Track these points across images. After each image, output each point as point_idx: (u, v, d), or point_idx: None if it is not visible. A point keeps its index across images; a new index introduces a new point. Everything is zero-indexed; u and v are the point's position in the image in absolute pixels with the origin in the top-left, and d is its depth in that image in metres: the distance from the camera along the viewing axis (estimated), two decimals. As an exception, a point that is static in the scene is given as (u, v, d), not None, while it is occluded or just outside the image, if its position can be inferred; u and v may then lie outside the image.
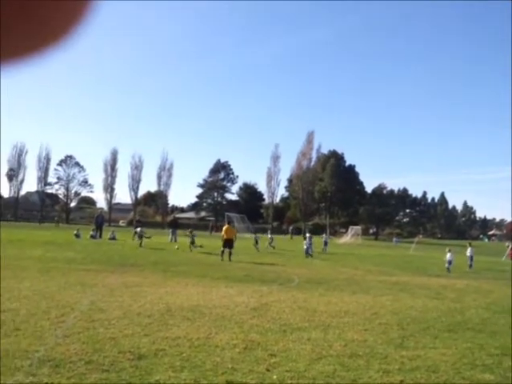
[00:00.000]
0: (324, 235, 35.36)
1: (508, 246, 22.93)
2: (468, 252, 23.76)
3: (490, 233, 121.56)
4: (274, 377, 5.03)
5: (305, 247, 24.95)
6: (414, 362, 5.85)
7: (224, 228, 21.40)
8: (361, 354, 6.09)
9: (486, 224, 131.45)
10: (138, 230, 26.39)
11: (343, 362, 5.72)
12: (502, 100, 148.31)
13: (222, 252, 20.03)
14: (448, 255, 21.19)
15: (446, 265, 21.28)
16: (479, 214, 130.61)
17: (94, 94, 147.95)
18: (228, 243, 20.34)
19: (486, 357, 6.32)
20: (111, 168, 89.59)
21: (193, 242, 24.35)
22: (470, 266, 23.16)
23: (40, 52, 0.43)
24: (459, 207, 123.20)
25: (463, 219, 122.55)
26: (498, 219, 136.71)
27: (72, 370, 4.87)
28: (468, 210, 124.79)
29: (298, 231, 72.45)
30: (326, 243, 31.62)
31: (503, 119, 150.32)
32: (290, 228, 65.80)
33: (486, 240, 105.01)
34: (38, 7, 0.40)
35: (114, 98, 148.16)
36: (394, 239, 69.85)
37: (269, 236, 32.10)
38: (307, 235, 26.21)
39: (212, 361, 5.47)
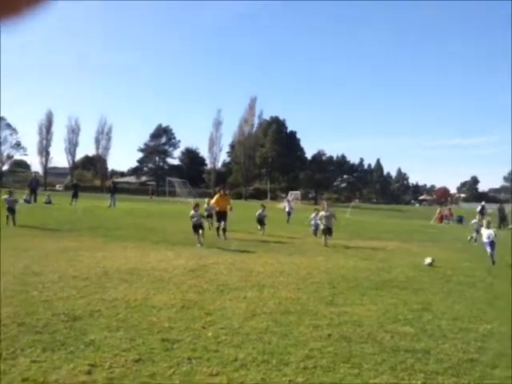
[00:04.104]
0: (286, 204, 30.29)
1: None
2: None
3: (421, 198, 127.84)
4: (210, 334, 5.21)
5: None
6: (341, 318, 6.21)
7: (215, 197, 16.77)
8: (293, 311, 6.40)
9: (417, 190, 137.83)
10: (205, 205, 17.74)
11: (276, 318, 6.00)
12: (439, 68, 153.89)
13: (217, 228, 15.93)
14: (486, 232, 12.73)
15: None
16: (412, 181, 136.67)
17: (28, 51, 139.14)
18: (221, 216, 15.96)
19: (407, 312, 6.80)
20: (46, 131, 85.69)
21: (11, 211, 16.18)
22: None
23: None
24: (393, 173, 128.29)
25: (397, 185, 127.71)
26: (428, 185, 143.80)
27: (4, 333, 4.83)
28: (401, 176, 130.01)
29: (238, 196, 73.17)
30: (289, 213, 27.11)
31: (439, 88, 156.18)
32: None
33: (417, 205, 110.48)
34: None
35: (49, 56, 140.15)
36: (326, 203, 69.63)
37: None
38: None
39: (148, 321, 5.57)
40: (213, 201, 16.78)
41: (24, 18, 0.46)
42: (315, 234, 17.94)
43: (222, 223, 15.74)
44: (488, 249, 12.25)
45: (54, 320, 5.36)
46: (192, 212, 13.89)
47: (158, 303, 6.43)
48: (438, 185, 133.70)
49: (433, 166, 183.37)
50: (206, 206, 17.64)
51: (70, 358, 4.26)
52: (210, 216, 17.43)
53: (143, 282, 7.80)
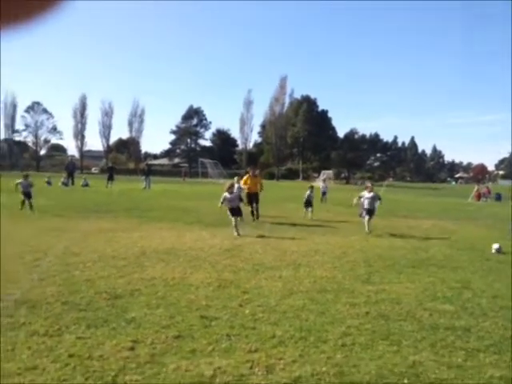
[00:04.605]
0: (321, 184, 29.60)
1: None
2: None
3: (457, 176, 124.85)
4: (247, 311, 5.27)
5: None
6: (379, 296, 6.17)
7: (244, 178, 15.84)
8: (329, 290, 6.39)
9: (453, 167, 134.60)
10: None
11: (312, 296, 6.01)
12: (472, 47, 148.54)
13: (252, 212, 15.17)
14: None
15: None
16: (447, 158, 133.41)
17: (62, 37, 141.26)
18: (252, 198, 15.33)
19: (446, 290, 6.70)
20: (80, 115, 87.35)
21: (27, 195, 15.41)
22: None
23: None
24: (428, 151, 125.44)
25: (432, 163, 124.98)
26: (465, 163, 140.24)
27: (49, 311, 5.00)
28: (437, 154, 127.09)
29: (270, 176, 73.25)
30: (324, 193, 26.68)
31: (472, 66, 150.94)
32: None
33: (454, 183, 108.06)
34: None
35: (82, 41, 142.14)
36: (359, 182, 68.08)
37: None
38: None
39: (186, 298, 5.68)
40: (242, 182, 15.74)
41: (38, 19, 0.45)
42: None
43: (254, 205, 15.20)
44: None
45: (97, 298, 5.52)
46: (226, 194, 12.00)
47: (195, 282, 6.54)
48: (475, 162, 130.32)
49: (469, 143, 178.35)
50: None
51: (112, 335, 4.39)
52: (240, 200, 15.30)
53: (180, 262, 7.92)
